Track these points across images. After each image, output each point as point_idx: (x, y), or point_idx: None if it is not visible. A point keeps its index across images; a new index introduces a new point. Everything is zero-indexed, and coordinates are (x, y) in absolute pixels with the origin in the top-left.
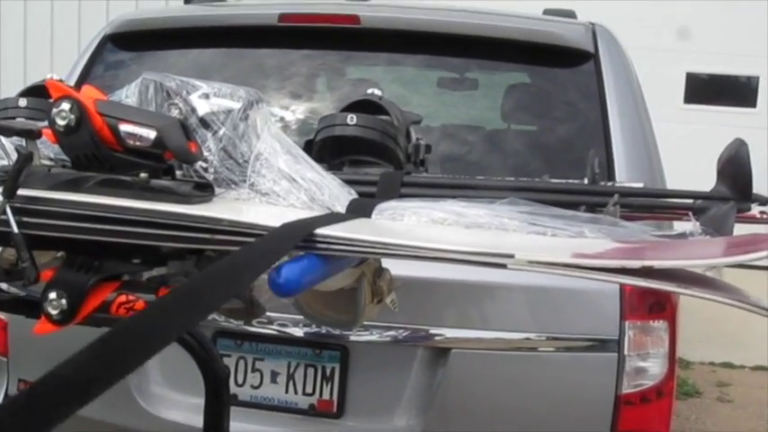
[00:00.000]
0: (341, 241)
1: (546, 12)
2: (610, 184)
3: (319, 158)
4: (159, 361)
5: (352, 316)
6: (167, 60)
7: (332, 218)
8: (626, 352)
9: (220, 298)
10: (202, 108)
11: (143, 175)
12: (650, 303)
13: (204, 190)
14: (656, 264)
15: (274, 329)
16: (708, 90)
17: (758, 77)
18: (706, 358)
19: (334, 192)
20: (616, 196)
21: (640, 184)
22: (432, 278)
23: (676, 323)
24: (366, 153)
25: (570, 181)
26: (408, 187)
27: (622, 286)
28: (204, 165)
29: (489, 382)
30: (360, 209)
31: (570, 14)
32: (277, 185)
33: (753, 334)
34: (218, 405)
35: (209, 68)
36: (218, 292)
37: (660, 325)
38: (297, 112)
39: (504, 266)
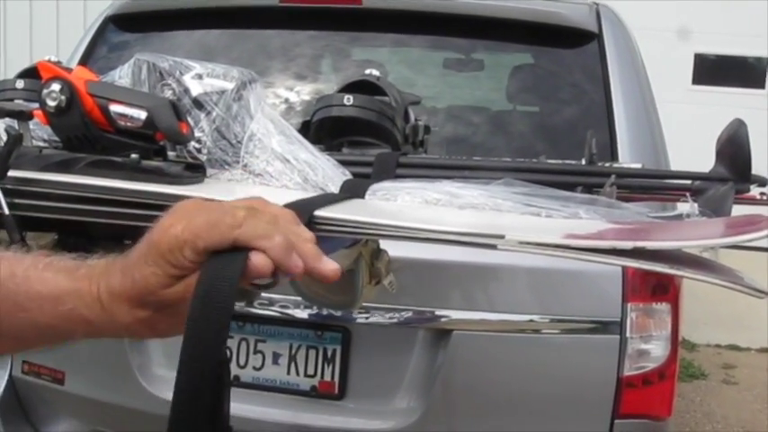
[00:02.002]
0: (333, 222)
1: None
2: (608, 164)
3: (316, 139)
4: (162, 342)
5: (351, 297)
6: (170, 41)
7: (326, 198)
8: (628, 334)
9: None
10: (195, 88)
11: (134, 155)
12: (653, 285)
13: (196, 171)
14: (649, 245)
15: (276, 311)
16: (716, 71)
17: (767, 58)
18: (712, 340)
19: (327, 172)
20: (613, 177)
21: (638, 165)
22: (433, 259)
23: (679, 305)
24: (363, 134)
25: (567, 162)
26: (404, 168)
27: (624, 268)
28: (197, 145)
29: (490, 364)
30: (353, 189)
31: None
32: (270, 166)
33: (759, 316)
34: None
35: (212, 49)
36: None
37: (663, 307)
38: (301, 93)
39: (494, 247)
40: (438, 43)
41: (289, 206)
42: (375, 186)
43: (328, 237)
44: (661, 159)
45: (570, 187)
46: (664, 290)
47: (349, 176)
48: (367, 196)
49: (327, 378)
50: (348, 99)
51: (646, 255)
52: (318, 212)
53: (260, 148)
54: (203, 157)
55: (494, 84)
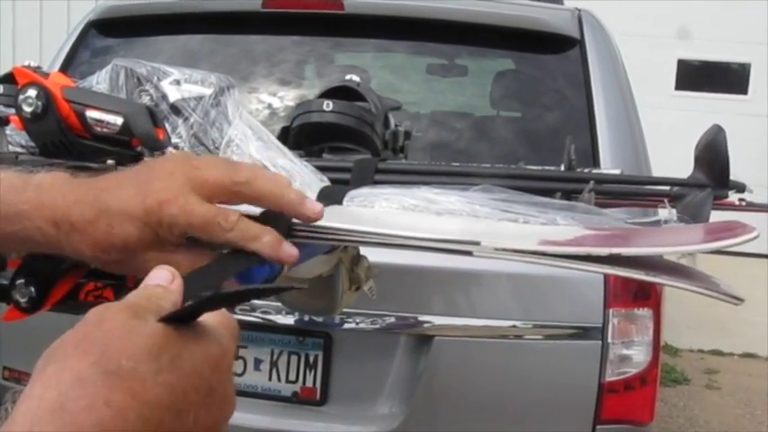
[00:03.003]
0: (311, 229)
1: None
2: (587, 170)
3: (296, 145)
4: None
5: (330, 303)
6: (152, 46)
7: None
8: (609, 340)
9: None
10: (173, 94)
11: (110, 161)
12: (634, 291)
13: None
14: (624, 251)
15: (257, 317)
16: (699, 77)
17: (749, 64)
18: (695, 345)
19: (305, 179)
20: (591, 183)
21: (617, 171)
22: (415, 265)
23: (661, 311)
24: (343, 140)
25: (546, 168)
26: (383, 174)
27: (606, 274)
28: (175, 152)
29: (472, 370)
30: (331, 196)
31: (557, 0)
32: None
33: (742, 321)
34: None
35: (195, 55)
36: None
37: (644, 313)
38: (285, 98)
39: (470, 254)
40: (421, 49)
41: (266, 213)
42: (353, 193)
43: (306, 244)
44: (642, 165)
45: (549, 193)
46: (645, 295)
47: (327, 183)
48: (345, 202)
49: (309, 384)
50: (327, 105)
51: (622, 261)
52: (295, 219)
53: (238, 153)
54: None
55: (476, 89)
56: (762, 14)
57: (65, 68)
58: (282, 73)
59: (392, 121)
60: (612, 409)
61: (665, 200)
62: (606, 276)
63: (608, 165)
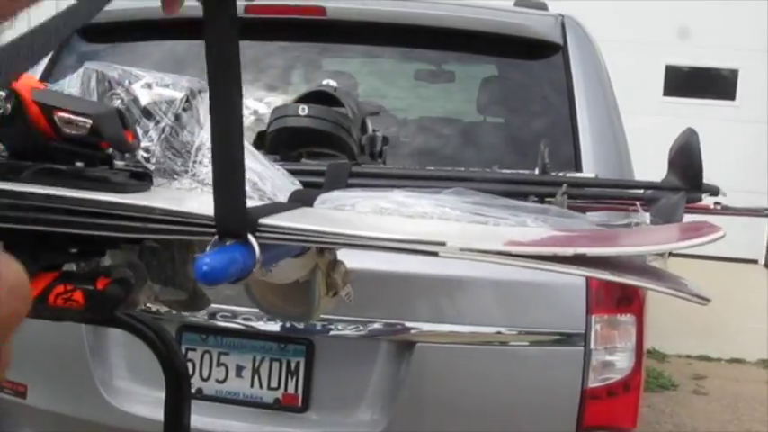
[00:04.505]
0: (277, 230)
1: (517, 3)
2: (561, 174)
3: (273, 150)
4: (124, 355)
5: (307, 308)
6: (136, 52)
7: (272, 207)
8: (592, 346)
9: None
10: (144, 98)
11: (78, 164)
12: (617, 297)
13: (142, 179)
14: (589, 251)
15: (239, 323)
16: (687, 83)
17: (737, 70)
18: (683, 351)
19: (277, 182)
20: (564, 186)
21: (591, 175)
22: (397, 272)
23: (644, 317)
24: (318, 144)
25: (520, 171)
26: (356, 177)
27: (589, 280)
28: (146, 155)
29: (454, 376)
30: (302, 199)
31: (541, 6)
32: None
33: (730, 327)
34: (178, 399)
35: (180, 60)
36: None
37: (627, 319)
38: (271, 105)
39: (436, 254)
40: (404, 54)
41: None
42: (324, 196)
43: (273, 245)
44: (625, 169)
45: (523, 197)
46: (628, 301)
47: (299, 186)
48: (316, 205)
49: (291, 390)
50: (303, 110)
51: (587, 261)
52: (263, 220)
53: (209, 157)
54: (152, 167)
55: (460, 95)
56: (751, 20)
57: (48, 74)
58: (269, 78)
59: (370, 127)
60: (595, 416)
61: (638, 203)
62: (588, 282)
63: (590, 169)
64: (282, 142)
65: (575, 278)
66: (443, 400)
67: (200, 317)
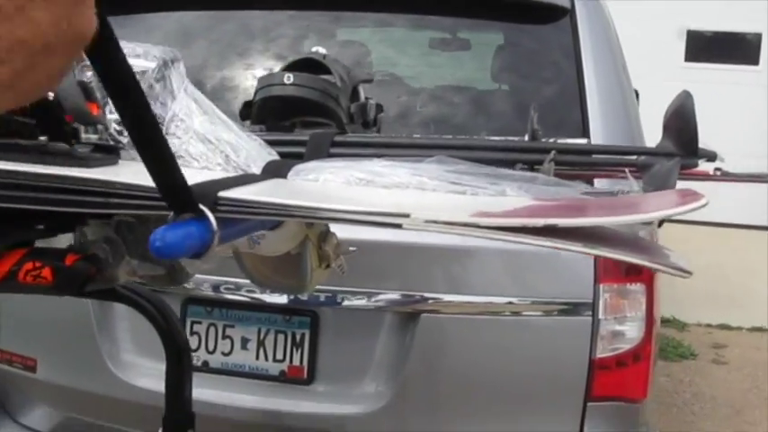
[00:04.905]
0: (237, 204)
1: None
2: (551, 140)
3: (259, 119)
4: (130, 328)
5: (299, 281)
6: (146, 23)
7: (237, 180)
8: (600, 315)
9: None
10: None
11: (42, 138)
12: (626, 266)
13: (108, 153)
14: (561, 222)
15: (244, 296)
16: (709, 47)
17: (761, 34)
18: (703, 320)
19: (251, 153)
20: (552, 153)
21: (583, 141)
22: (400, 242)
23: (654, 286)
24: (305, 113)
25: (509, 138)
26: (339, 147)
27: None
28: (119, 128)
29: (459, 347)
30: (276, 170)
31: None
32: (192, 147)
33: (751, 295)
34: (179, 373)
35: (191, 31)
36: None
37: (637, 288)
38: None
39: (399, 227)
40: (416, 22)
41: (193, 187)
42: (299, 167)
43: (236, 219)
44: (635, 133)
45: (510, 165)
46: (637, 270)
47: (275, 157)
48: (289, 176)
49: (296, 362)
50: (288, 78)
51: (559, 233)
52: (223, 194)
53: (182, 129)
54: (124, 140)
55: (470, 63)
56: None
57: None
58: (282, 49)
59: (362, 94)
60: (604, 387)
61: (627, 170)
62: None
63: (598, 135)
64: (268, 112)
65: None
66: (449, 373)
67: (205, 289)
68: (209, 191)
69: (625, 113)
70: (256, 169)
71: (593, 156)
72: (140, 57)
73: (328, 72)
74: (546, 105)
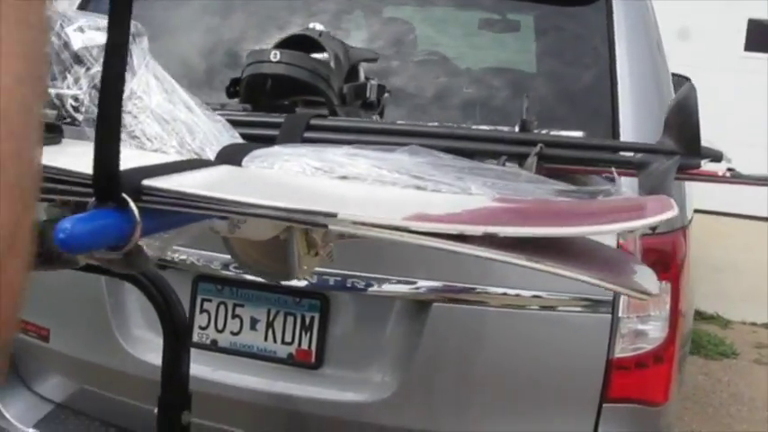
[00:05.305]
0: (161, 194)
1: None
2: (544, 132)
3: (245, 98)
4: (141, 303)
5: (288, 267)
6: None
7: (179, 165)
8: (620, 314)
9: None
10: (77, 42)
11: None
12: (652, 261)
13: (50, 132)
14: (502, 230)
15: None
16: None
17: None
18: (748, 318)
19: (208, 136)
20: (539, 147)
21: (578, 134)
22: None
23: (681, 284)
24: (293, 93)
25: (497, 128)
26: (314, 131)
27: (619, 241)
28: (75, 103)
29: (471, 340)
30: (230, 155)
31: None
32: (148, 127)
33: None
34: (176, 353)
35: (229, 5)
36: None
37: (662, 286)
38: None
39: (325, 227)
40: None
41: (122, 174)
42: (256, 152)
43: (164, 210)
44: None
45: (495, 156)
46: (664, 267)
47: (238, 140)
48: (244, 163)
49: (305, 346)
50: (275, 55)
51: (502, 242)
52: (148, 182)
53: (139, 107)
54: (80, 117)
55: (486, 42)
56: None
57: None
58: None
59: (362, 75)
60: (621, 388)
61: (613, 168)
62: (618, 244)
63: (629, 127)
64: (255, 90)
65: (603, 237)
66: (459, 366)
67: (216, 267)
68: (135, 179)
69: (659, 100)
70: (211, 153)
71: (587, 151)
72: (102, 30)
73: (322, 50)
74: (575, 91)
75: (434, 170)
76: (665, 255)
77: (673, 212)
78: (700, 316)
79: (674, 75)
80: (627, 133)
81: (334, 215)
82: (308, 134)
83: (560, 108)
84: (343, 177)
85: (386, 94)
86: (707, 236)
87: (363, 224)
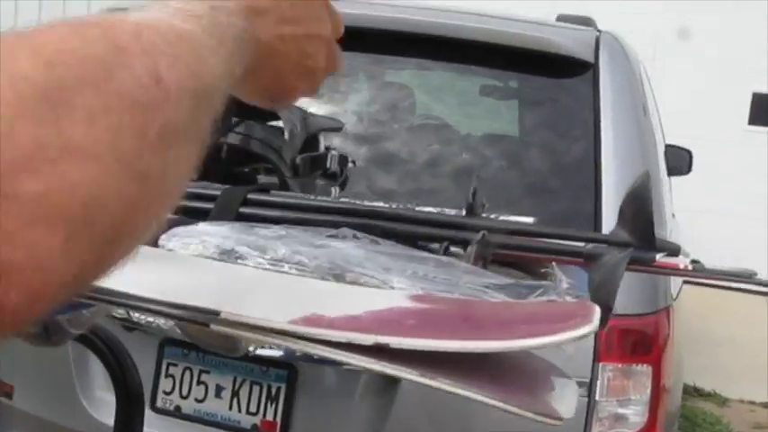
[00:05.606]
0: None
1: (559, 18)
2: (494, 216)
3: (203, 165)
4: (103, 366)
5: (232, 341)
6: None
7: None
8: (597, 396)
9: None
10: None
11: None
12: (632, 343)
13: None
14: (394, 342)
15: None
16: None
17: None
18: (746, 396)
19: None
20: (481, 234)
21: (529, 220)
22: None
23: (662, 367)
24: (243, 164)
25: (443, 211)
26: (251, 206)
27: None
28: None
29: (443, 414)
30: None
31: (586, 21)
32: None
33: None
34: (128, 419)
35: None
36: None
37: (643, 369)
38: (318, 111)
39: (207, 326)
40: (426, 65)
41: None
42: (176, 230)
43: None
44: (662, 206)
45: (437, 242)
46: (645, 349)
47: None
48: (161, 242)
49: (270, 417)
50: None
51: (397, 354)
52: None
53: None
54: None
55: (477, 110)
56: None
57: None
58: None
59: (321, 144)
60: None
61: (553, 261)
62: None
63: (611, 203)
64: (211, 157)
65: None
66: None
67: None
68: None
69: (642, 168)
70: None
71: (536, 239)
72: None
73: (276, 118)
74: (558, 161)
75: (358, 259)
76: (646, 337)
77: (590, 328)
78: (697, 392)
79: (675, 147)
80: (609, 205)
81: (217, 314)
82: (243, 209)
83: (544, 180)
84: (258, 265)
85: (349, 164)
86: (706, 309)
87: (247, 326)
